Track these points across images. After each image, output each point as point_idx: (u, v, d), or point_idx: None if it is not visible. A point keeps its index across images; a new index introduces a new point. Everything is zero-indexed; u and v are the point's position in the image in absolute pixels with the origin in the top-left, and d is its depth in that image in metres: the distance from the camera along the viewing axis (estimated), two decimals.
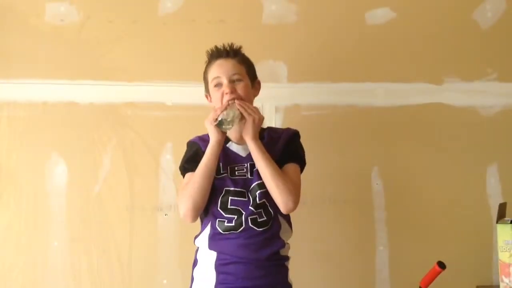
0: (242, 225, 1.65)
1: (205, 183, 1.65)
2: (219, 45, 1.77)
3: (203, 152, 1.70)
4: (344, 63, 2.18)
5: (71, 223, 2.15)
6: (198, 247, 1.76)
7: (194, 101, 2.12)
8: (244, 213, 1.66)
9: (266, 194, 1.67)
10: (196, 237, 1.76)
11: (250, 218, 1.66)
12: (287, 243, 1.74)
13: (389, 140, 2.17)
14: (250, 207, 1.66)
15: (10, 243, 2.13)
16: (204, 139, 1.76)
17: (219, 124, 1.66)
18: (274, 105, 2.16)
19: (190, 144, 1.81)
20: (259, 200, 1.66)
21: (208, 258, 1.70)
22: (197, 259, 1.75)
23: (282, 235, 1.71)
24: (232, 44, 1.77)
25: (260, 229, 1.66)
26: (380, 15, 2.19)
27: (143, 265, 2.13)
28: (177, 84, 2.14)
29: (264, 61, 2.14)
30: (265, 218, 1.67)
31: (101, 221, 2.15)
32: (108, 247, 2.14)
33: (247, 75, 1.77)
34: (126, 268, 2.13)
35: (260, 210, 1.67)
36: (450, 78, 2.18)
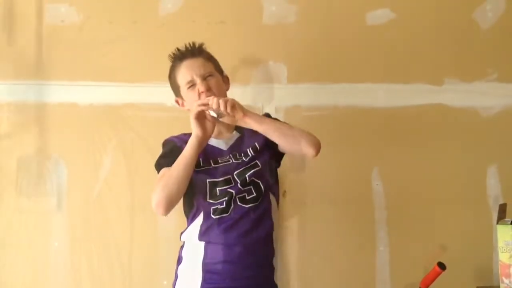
0: (231, 205, 1.65)
1: (182, 175, 1.61)
2: (181, 46, 1.76)
3: (179, 148, 1.69)
4: (345, 64, 2.18)
5: (71, 223, 2.15)
6: (183, 244, 1.75)
7: None
8: (233, 192, 1.66)
9: (256, 173, 1.68)
10: (182, 232, 1.75)
11: (238, 197, 1.66)
12: (275, 236, 1.72)
13: (389, 141, 2.17)
14: (238, 186, 1.66)
15: (11, 243, 2.13)
16: (180, 138, 1.77)
17: (218, 117, 1.64)
18: (274, 105, 2.15)
19: (166, 142, 1.81)
20: (248, 179, 1.67)
21: (194, 256, 1.69)
22: (181, 256, 1.74)
23: (273, 214, 1.71)
24: (194, 42, 1.77)
25: (249, 206, 1.66)
26: (380, 15, 2.19)
27: (143, 265, 2.14)
28: None
29: (264, 62, 2.16)
30: (254, 195, 1.67)
31: (101, 221, 2.15)
32: (108, 247, 2.14)
33: (216, 71, 1.77)
34: (126, 269, 2.13)
35: (249, 187, 1.67)
36: (450, 79, 2.18)
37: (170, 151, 1.74)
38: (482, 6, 2.20)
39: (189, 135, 1.66)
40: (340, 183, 2.15)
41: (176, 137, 1.80)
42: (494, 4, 2.19)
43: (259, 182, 1.69)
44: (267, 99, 2.15)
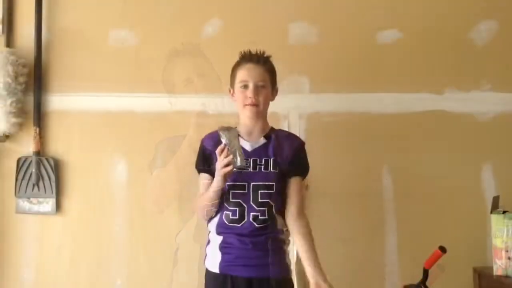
0: (244, 219, 1.75)
1: (212, 203, 1.77)
2: (253, 50, 1.82)
3: (208, 151, 1.79)
4: (358, 77, 2.27)
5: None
6: (210, 230, 1.85)
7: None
8: (245, 206, 1.76)
9: (269, 195, 1.77)
10: (208, 221, 1.84)
11: (253, 215, 1.75)
12: (285, 231, 1.81)
13: (397, 142, 2.25)
14: (251, 204, 1.76)
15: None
16: (211, 139, 1.82)
17: (240, 166, 1.69)
18: (298, 112, 2.26)
19: (200, 145, 1.87)
20: (261, 199, 1.76)
21: (215, 240, 1.82)
22: (209, 239, 1.85)
23: (278, 226, 1.81)
24: (263, 52, 1.83)
25: (260, 225, 1.76)
26: (388, 35, 2.29)
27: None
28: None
29: (290, 76, 2.25)
30: (266, 217, 1.76)
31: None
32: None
33: (270, 83, 1.83)
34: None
35: (264, 209, 1.76)
36: (449, 89, 2.28)
37: (202, 157, 1.84)
38: (478, 26, 2.29)
39: (215, 134, 1.75)
40: (355, 178, 2.23)
41: (208, 137, 1.85)
42: (488, 24, 2.29)
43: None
44: (292, 107, 2.24)
